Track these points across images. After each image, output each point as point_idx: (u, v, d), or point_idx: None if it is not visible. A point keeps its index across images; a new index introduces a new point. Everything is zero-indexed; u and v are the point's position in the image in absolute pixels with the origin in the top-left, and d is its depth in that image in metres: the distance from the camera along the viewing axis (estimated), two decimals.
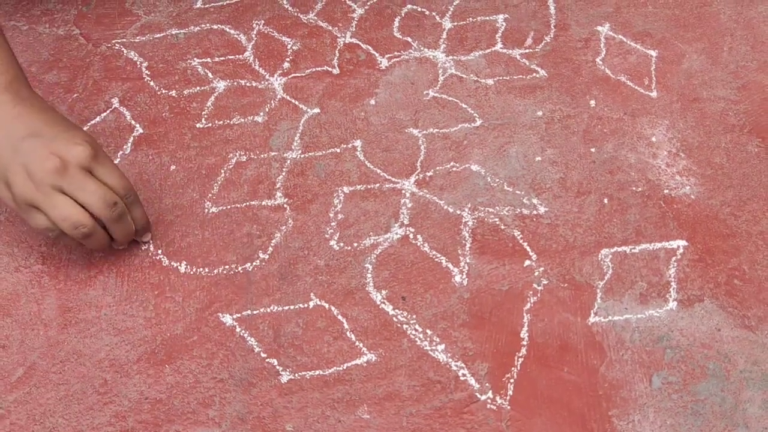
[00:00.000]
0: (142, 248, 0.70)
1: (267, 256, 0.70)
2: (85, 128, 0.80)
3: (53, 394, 0.62)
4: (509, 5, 0.93)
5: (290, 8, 0.93)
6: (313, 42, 0.89)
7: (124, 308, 0.67)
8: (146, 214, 0.69)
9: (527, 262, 0.69)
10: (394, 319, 0.66)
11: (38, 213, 0.61)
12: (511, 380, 0.62)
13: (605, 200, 0.74)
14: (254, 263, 0.69)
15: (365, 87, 0.84)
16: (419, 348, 0.64)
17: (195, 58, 0.87)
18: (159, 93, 0.84)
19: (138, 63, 0.87)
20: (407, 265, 0.69)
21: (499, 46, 0.88)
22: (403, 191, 0.75)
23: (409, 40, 0.89)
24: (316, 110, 0.82)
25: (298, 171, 0.77)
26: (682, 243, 0.70)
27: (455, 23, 0.91)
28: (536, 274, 0.68)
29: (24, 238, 0.71)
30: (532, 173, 0.76)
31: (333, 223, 0.72)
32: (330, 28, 0.91)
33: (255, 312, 0.66)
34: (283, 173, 0.76)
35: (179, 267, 0.69)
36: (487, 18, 0.92)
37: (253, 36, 0.90)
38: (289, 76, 0.85)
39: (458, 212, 0.73)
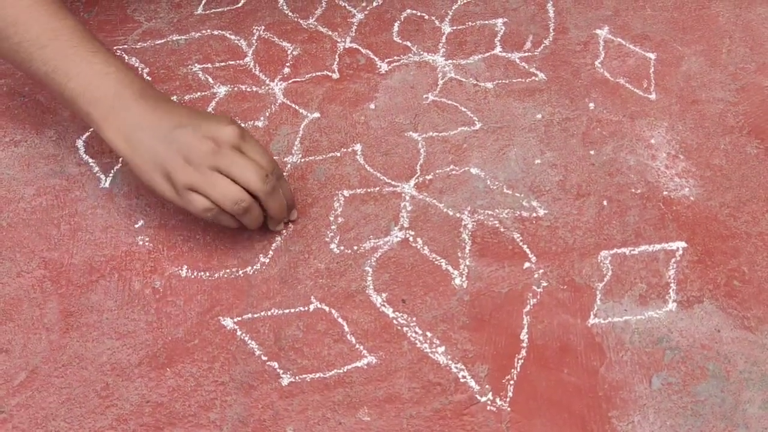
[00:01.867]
0: (138, 241, 0.71)
1: (267, 260, 0.70)
2: (86, 134, 0.80)
3: (55, 398, 0.62)
4: (508, 9, 0.93)
5: (290, 14, 0.94)
6: (313, 47, 0.90)
7: (126, 312, 0.67)
8: (291, 190, 0.71)
9: (527, 265, 0.69)
10: (395, 321, 0.66)
11: (198, 195, 0.65)
12: (511, 382, 0.62)
13: (604, 202, 0.74)
14: (255, 267, 0.70)
15: (365, 91, 0.85)
16: (419, 350, 0.64)
17: (196, 64, 0.88)
18: None
19: (139, 69, 0.87)
20: (407, 268, 0.69)
21: (498, 50, 0.89)
22: (403, 194, 0.75)
23: (409, 44, 0.90)
24: (316, 114, 0.83)
25: (299, 175, 0.77)
26: (682, 244, 0.70)
27: (454, 27, 0.92)
28: (536, 276, 0.69)
29: (26, 244, 0.72)
30: (532, 176, 0.76)
31: (333, 227, 0.73)
32: (330, 33, 0.91)
33: (256, 315, 0.67)
34: (284, 177, 0.77)
35: (180, 271, 0.70)
36: (486, 22, 0.92)
37: (254, 41, 0.90)
38: (290, 81, 0.86)
39: (458, 215, 0.73)
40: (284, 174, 0.72)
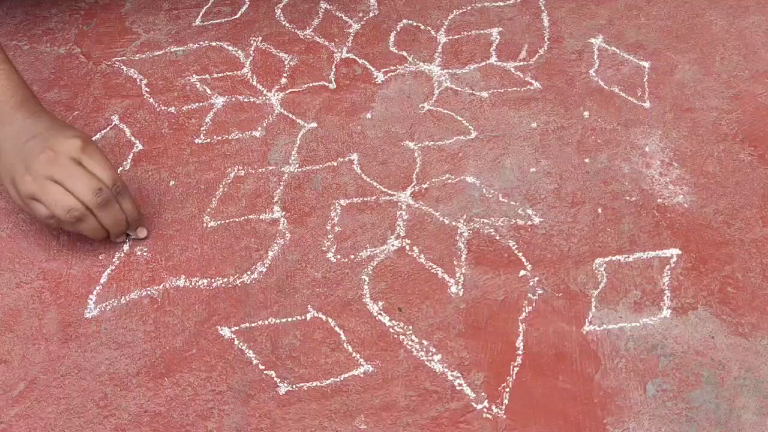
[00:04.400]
0: (136, 251, 0.71)
1: (265, 269, 0.71)
2: None
3: (54, 408, 0.62)
4: (503, 19, 0.94)
5: (287, 24, 0.95)
6: (310, 57, 0.91)
7: (124, 322, 0.67)
8: (137, 208, 0.71)
9: (522, 272, 0.70)
10: (391, 330, 0.66)
11: (38, 203, 0.67)
12: (507, 389, 0.62)
13: (599, 210, 0.74)
14: (252, 276, 0.70)
15: (361, 101, 0.85)
16: (416, 358, 0.65)
17: (194, 75, 0.89)
18: (158, 109, 0.85)
19: (138, 80, 0.88)
20: (403, 277, 0.70)
21: (493, 59, 0.90)
22: (400, 203, 0.76)
23: (405, 54, 0.91)
24: (313, 125, 0.83)
25: (296, 185, 0.78)
26: (676, 251, 0.71)
27: (450, 37, 0.92)
28: (531, 283, 0.69)
29: (25, 255, 0.72)
30: (527, 184, 0.77)
31: (330, 236, 0.73)
32: (327, 43, 0.92)
33: (253, 324, 0.67)
34: (281, 187, 0.77)
35: (178, 281, 0.70)
36: (482, 31, 0.93)
37: (251, 52, 0.91)
38: (287, 92, 0.87)
39: (454, 223, 0.74)
40: (129, 191, 0.72)
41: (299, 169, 0.79)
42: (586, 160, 0.79)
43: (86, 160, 0.68)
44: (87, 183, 0.66)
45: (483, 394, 0.62)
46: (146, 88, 0.87)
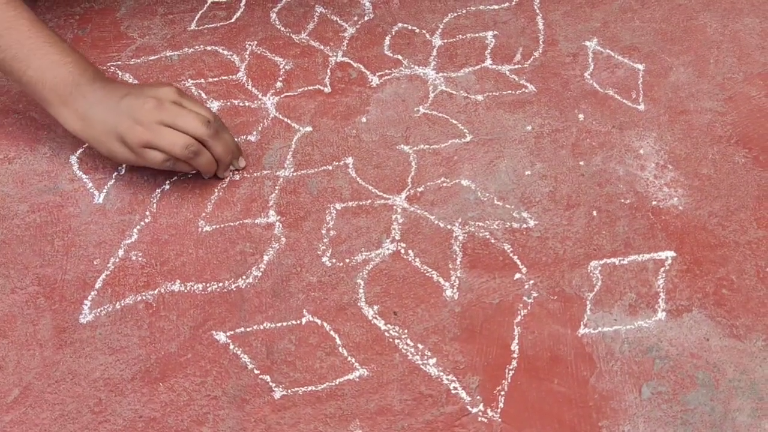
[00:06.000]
0: (131, 256, 0.71)
1: (260, 274, 0.71)
2: (80, 150, 0.81)
3: (48, 414, 0.62)
4: (498, 22, 0.94)
5: (282, 28, 0.95)
6: (305, 61, 0.91)
7: (119, 327, 0.67)
8: (234, 139, 0.78)
9: (517, 276, 0.70)
10: (386, 333, 0.66)
11: (152, 150, 0.72)
12: (502, 393, 0.62)
13: (594, 213, 0.75)
14: (247, 281, 0.70)
15: (356, 105, 0.86)
16: (411, 362, 0.65)
17: (189, 79, 0.89)
18: None
19: None
20: (399, 280, 0.70)
21: (488, 63, 0.90)
22: (395, 207, 0.76)
23: (400, 57, 0.91)
24: (309, 128, 0.83)
25: (291, 189, 0.78)
26: (671, 254, 0.71)
27: (445, 40, 0.93)
28: (526, 287, 0.69)
29: (19, 260, 0.72)
30: (522, 187, 0.77)
31: (325, 240, 0.73)
32: (322, 47, 0.92)
33: (248, 329, 0.67)
34: (276, 191, 0.77)
35: (173, 286, 0.70)
36: (477, 35, 0.93)
37: (246, 56, 0.91)
38: (282, 96, 0.87)
39: (449, 227, 0.74)
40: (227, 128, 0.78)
41: (294, 173, 0.79)
42: (581, 163, 0.79)
43: (186, 102, 0.74)
44: (195, 119, 0.72)
45: (478, 397, 0.62)
46: None
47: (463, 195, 0.76)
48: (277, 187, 0.78)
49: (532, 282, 0.69)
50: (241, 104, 0.86)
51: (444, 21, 0.95)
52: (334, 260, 0.72)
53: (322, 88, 0.88)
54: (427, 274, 0.70)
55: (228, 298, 0.69)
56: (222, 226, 0.74)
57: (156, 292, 0.70)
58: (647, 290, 0.68)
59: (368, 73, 0.89)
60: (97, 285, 0.70)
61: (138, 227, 0.74)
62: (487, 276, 0.70)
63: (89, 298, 0.69)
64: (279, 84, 0.88)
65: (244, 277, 0.70)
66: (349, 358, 0.65)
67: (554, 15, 0.95)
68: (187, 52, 0.92)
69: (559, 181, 0.77)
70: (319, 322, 0.67)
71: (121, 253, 0.73)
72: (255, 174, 0.79)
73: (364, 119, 0.84)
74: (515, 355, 0.65)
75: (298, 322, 0.67)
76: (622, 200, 0.75)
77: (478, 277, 0.70)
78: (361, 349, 0.65)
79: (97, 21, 0.96)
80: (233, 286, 0.70)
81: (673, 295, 0.68)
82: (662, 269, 0.70)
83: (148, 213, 0.76)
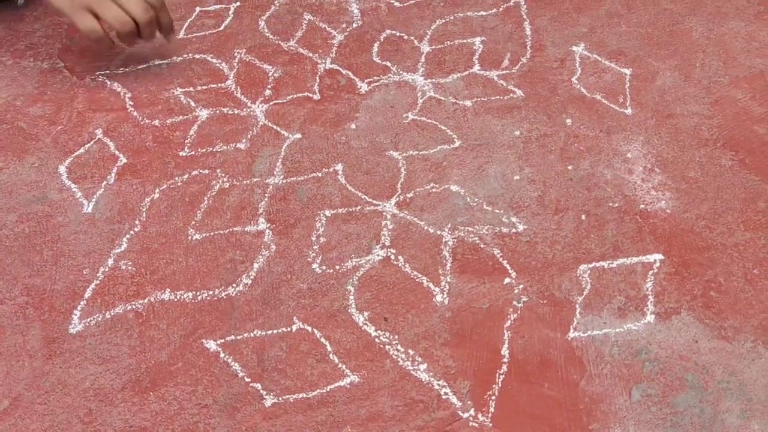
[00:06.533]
0: (120, 265, 0.71)
1: (250, 281, 0.71)
2: (69, 160, 0.81)
3: (38, 425, 0.62)
4: (486, 28, 0.95)
5: (271, 36, 0.95)
6: (294, 69, 0.91)
7: (109, 337, 0.67)
8: (172, 18, 0.88)
9: (507, 280, 0.70)
10: (377, 340, 0.66)
11: (89, 16, 0.82)
12: (493, 397, 0.63)
13: (583, 217, 0.75)
14: (237, 288, 0.70)
15: (346, 112, 0.86)
16: (402, 368, 0.65)
17: (178, 88, 0.89)
18: (142, 123, 0.85)
19: (121, 94, 0.88)
20: (389, 286, 0.70)
21: (476, 68, 0.90)
22: (384, 213, 0.76)
23: (389, 64, 0.91)
24: (298, 136, 0.83)
25: (281, 196, 0.78)
26: (659, 257, 0.71)
27: (433, 47, 0.93)
28: (516, 291, 0.69)
29: (8, 270, 0.72)
30: (511, 192, 0.77)
31: (315, 247, 0.73)
32: (310, 54, 0.93)
33: (239, 337, 0.67)
34: (266, 199, 0.77)
35: (163, 294, 0.70)
36: (465, 41, 0.93)
37: (235, 64, 0.91)
38: (271, 103, 0.87)
39: (438, 232, 0.74)
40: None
41: (284, 181, 0.79)
42: (569, 167, 0.79)
43: None
44: (139, 3, 0.83)
45: (469, 402, 0.62)
46: (130, 102, 0.87)
47: (453, 200, 0.77)
48: (266, 195, 0.78)
49: (521, 286, 0.69)
50: (230, 112, 0.86)
51: (432, 27, 0.95)
52: (324, 267, 0.72)
53: (311, 95, 0.88)
54: (417, 280, 0.70)
55: (218, 306, 0.69)
56: (212, 234, 0.74)
57: (146, 301, 0.70)
58: (636, 293, 0.69)
59: (357, 79, 0.89)
60: (87, 295, 0.70)
61: (127, 236, 0.74)
62: (477, 281, 0.70)
63: (79, 307, 0.69)
64: (268, 91, 0.88)
65: (234, 285, 0.70)
66: (340, 365, 0.65)
67: (541, 20, 0.95)
68: (176, 61, 0.92)
69: (548, 185, 0.78)
70: (309, 329, 0.67)
71: (110, 262, 0.72)
72: (245, 182, 0.79)
73: (353, 126, 0.84)
74: (505, 360, 0.65)
75: (289, 329, 0.67)
76: (611, 204, 0.76)
77: (468, 282, 0.70)
78: (351, 355, 0.65)
79: None
80: (223, 294, 0.70)
81: (662, 298, 0.68)
82: (651, 272, 0.70)
83: (137, 222, 0.75)
